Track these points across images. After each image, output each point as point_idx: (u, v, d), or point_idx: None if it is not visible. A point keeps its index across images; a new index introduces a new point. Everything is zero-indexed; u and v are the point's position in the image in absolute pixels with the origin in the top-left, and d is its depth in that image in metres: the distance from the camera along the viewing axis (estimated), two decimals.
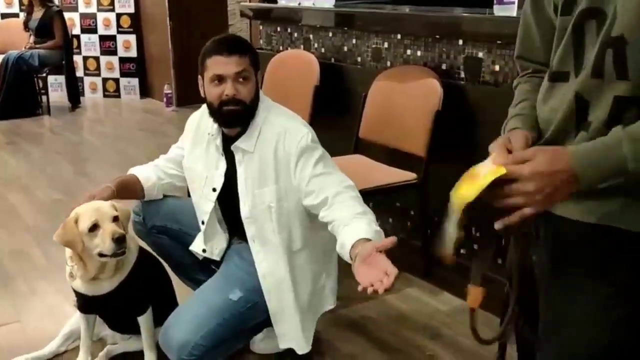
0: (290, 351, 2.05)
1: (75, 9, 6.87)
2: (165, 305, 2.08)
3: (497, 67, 2.57)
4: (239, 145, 1.93)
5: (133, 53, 6.89)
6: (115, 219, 1.89)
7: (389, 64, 3.06)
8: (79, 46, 6.92)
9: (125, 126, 5.93)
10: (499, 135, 1.19)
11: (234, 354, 2.13)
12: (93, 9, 6.87)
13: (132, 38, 6.87)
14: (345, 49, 3.32)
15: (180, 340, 1.87)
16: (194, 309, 1.94)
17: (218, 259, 2.11)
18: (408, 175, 2.69)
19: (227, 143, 1.97)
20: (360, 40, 3.22)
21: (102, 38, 6.91)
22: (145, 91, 7.02)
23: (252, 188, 1.94)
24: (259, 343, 2.16)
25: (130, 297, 2.00)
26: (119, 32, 6.87)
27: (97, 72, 7.01)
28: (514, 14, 2.55)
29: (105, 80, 7.02)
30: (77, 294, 2.02)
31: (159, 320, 2.05)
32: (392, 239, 1.53)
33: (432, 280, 2.73)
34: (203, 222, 2.07)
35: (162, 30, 6.48)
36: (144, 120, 6.25)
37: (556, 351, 1.18)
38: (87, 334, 2.10)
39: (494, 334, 1.23)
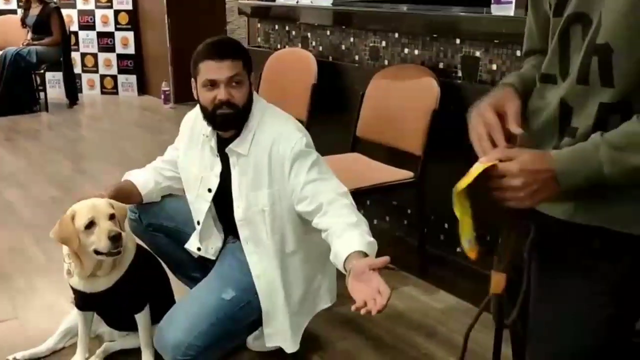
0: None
1: (73, 6, 6.86)
2: (162, 303, 2.08)
3: (494, 67, 2.58)
4: (233, 148, 1.94)
5: (131, 50, 6.89)
6: (112, 217, 1.90)
7: (386, 62, 3.07)
8: (76, 43, 6.91)
9: (123, 123, 5.93)
10: None
11: (230, 351, 2.15)
12: (91, 5, 6.86)
13: (130, 35, 6.86)
14: (343, 47, 3.33)
15: (174, 341, 1.89)
16: (188, 309, 1.95)
17: (213, 257, 2.12)
18: (405, 174, 2.70)
19: (222, 144, 1.97)
20: (358, 38, 3.22)
21: (100, 35, 6.91)
22: (143, 88, 7.02)
23: (246, 191, 1.94)
24: (256, 340, 2.17)
25: (127, 295, 2.00)
26: (117, 29, 6.87)
27: (95, 69, 7.01)
28: (512, 13, 2.56)
29: (103, 77, 7.01)
30: (75, 291, 2.03)
31: (156, 318, 2.06)
32: (386, 259, 1.56)
33: (428, 279, 2.74)
34: (199, 222, 2.08)
35: (160, 27, 6.48)
36: (141, 117, 6.25)
37: (544, 349, 1.20)
38: (84, 331, 2.11)
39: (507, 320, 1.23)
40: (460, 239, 1.15)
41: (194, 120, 2.05)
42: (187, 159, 2.10)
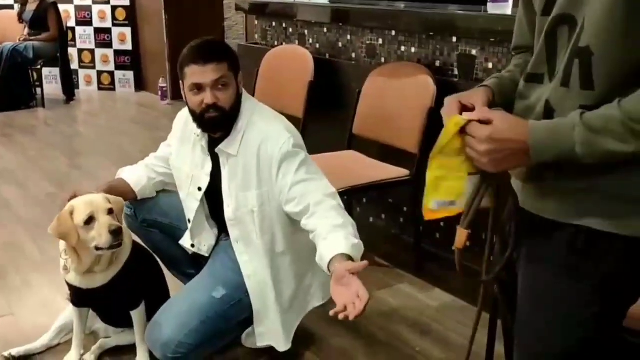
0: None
1: (70, 1, 6.84)
2: (158, 299, 2.08)
3: (490, 65, 2.58)
4: (223, 148, 1.94)
5: (128, 46, 6.88)
6: (110, 212, 1.90)
7: (383, 60, 3.07)
8: (74, 38, 6.89)
9: (119, 119, 5.93)
10: None
11: (224, 348, 2.16)
12: (88, 1, 6.84)
13: (127, 31, 6.85)
14: (340, 44, 3.33)
15: (164, 339, 1.89)
16: (178, 307, 1.95)
17: (207, 254, 2.12)
18: (401, 172, 2.70)
19: (213, 144, 1.97)
20: (355, 36, 3.23)
21: (97, 31, 6.89)
22: (140, 84, 7.01)
23: (236, 191, 1.95)
24: (250, 337, 2.17)
25: (123, 291, 2.00)
26: (114, 24, 6.85)
27: (92, 64, 6.99)
28: (508, 12, 2.57)
29: (100, 73, 7.00)
30: (71, 287, 2.03)
31: (152, 315, 2.05)
32: (364, 264, 1.58)
33: (423, 276, 2.75)
34: (189, 220, 2.09)
35: (157, 23, 6.47)
36: (138, 113, 6.24)
37: (531, 348, 1.21)
38: (79, 327, 2.11)
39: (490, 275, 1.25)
40: (426, 200, 1.15)
41: (186, 119, 2.05)
42: (179, 156, 2.10)
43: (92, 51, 6.96)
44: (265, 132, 1.91)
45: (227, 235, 2.06)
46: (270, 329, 2.02)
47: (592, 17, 1.02)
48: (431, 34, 2.81)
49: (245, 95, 1.99)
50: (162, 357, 1.93)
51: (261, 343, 2.05)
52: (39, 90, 6.24)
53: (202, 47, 1.88)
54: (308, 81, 3.18)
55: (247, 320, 2.02)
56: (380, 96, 2.90)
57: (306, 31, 3.56)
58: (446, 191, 1.14)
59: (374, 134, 2.90)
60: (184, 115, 2.08)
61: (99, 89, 7.01)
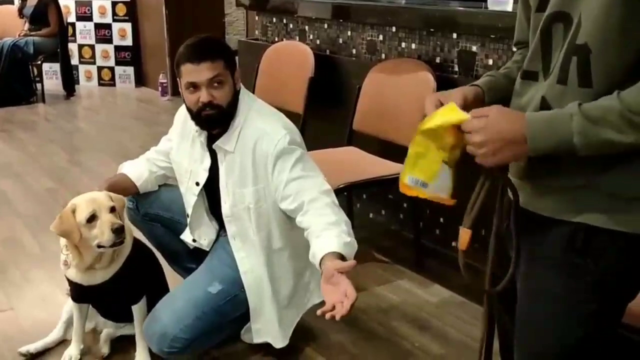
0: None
1: None
2: (157, 294, 2.09)
3: (490, 61, 2.58)
4: (220, 145, 1.94)
5: (128, 41, 6.87)
6: (112, 210, 1.90)
7: (383, 56, 3.07)
8: (74, 34, 6.88)
9: (120, 115, 5.92)
10: None
11: (223, 343, 2.16)
12: None
13: (127, 26, 6.84)
14: (341, 40, 3.32)
15: (160, 333, 1.90)
16: (174, 302, 1.96)
17: (207, 249, 2.13)
18: (401, 168, 2.69)
19: (212, 140, 1.98)
20: (355, 32, 3.22)
21: (98, 26, 6.88)
22: (141, 80, 7.00)
23: (233, 187, 1.95)
24: (249, 333, 2.17)
25: (124, 287, 2.01)
26: (114, 20, 6.84)
27: (92, 60, 6.99)
28: (509, 8, 2.56)
29: (100, 68, 6.99)
30: (71, 283, 2.03)
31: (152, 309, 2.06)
32: (352, 263, 1.59)
33: (422, 272, 2.75)
34: (188, 215, 2.10)
35: (157, 19, 6.46)
36: (138, 109, 6.24)
37: (531, 345, 1.21)
38: (79, 323, 2.11)
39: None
40: (404, 174, 1.15)
41: (186, 113, 2.05)
42: (178, 151, 2.10)
43: (92, 47, 6.96)
44: (262, 129, 1.91)
45: (226, 231, 2.06)
46: (267, 326, 2.03)
47: (589, 14, 1.02)
48: (432, 30, 2.81)
49: (243, 91, 1.99)
50: (158, 351, 1.94)
51: (257, 339, 2.06)
52: (39, 85, 6.23)
53: (197, 46, 1.88)
54: (308, 77, 3.18)
55: (243, 316, 2.02)
56: (380, 92, 2.89)
57: (307, 27, 3.56)
58: (421, 170, 1.14)
59: (374, 130, 2.90)
60: (184, 110, 2.08)
61: (99, 84, 7.00)
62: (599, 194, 1.07)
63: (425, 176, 1.13)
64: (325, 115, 3.22)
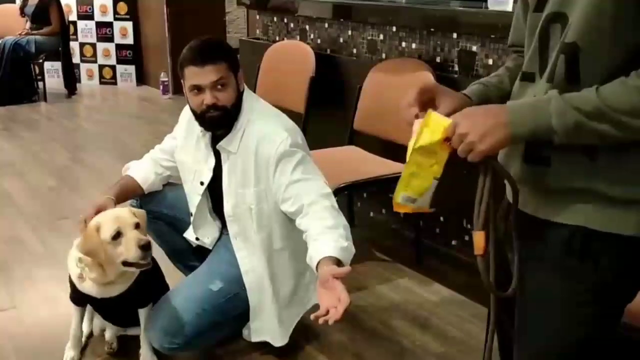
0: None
1: None
2: (159, 293, 2.09)
3: (490, 61, 2.59)
4: (224, 145, 1.96)
5: (130, 40, 6.88)
6: (137, 226, 1.86)
7: (384, 56, 3.08)
8: (75, 33, 6.89)
9: (121, 113, 5.93)
10: None
11: (226, 341, 2.18)
12: None
13: (128, 25, 6.85)
14: (341, 40, 3.33)
15: (161, 329, 1.92)
16: (176, 299, 1.98)
17: (210, 247, 2.15)
18: (401, 167, 2.69)
19: (216, 140, 1.99)
20: (356, 31, 3.23)
21: (99, 25, 6.89)
22: (142, 78, 7.02)
23: (235, 187, 1.97)
24: (250, 331, 2.19)
25: (137, 296, 1.99)
26: (115, 18, 6.85)
27: (93, 59, 7.00)
28: (509, 8, 2.57)
29: (101, 67, 7.00)
30: (81, 294, 1.97)
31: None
32: (347, 269, 1.60)
33: (423, 271, 2.77)
34: (192, 214, 2.11)
35: (158, 18, 6.47)
36: (140, 107, 6.26)
37: (530, 346, 1.22)
38: (78, 324, 2.09)
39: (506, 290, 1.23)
40: (397, 193, 1.15)
41: (191, 113, 2.06)
42: (183, 150, 2.12)
43: (93, 45, 6.97)
44: (264, 131, 1.92)
45: (227, 230, 2.08)
46: (266, 325, 2.05)
47: (580, 14, 1.02)
48: (432, 30, 2.82)
49: (247, 92, 2.00)
50: (159, 347, 1.97)
51: (256, 338, 2.08)
52: (40, 84, 6.25)
53: (201, 48, 1.89)
54: (309, 76, 3.19)
55: (244, 314, 2.04)
56: (381, 92, 2.91)
57: (307, 26, 3.57)
58: (413, 188, 1.15)
59: (375, 130, 2.91)
60: (189, 110, 2.10)
61: (101, 83, 7.02)
62: (597, 197, 1.07)
63: (415, 193, 1.15)
64: (326, 114, 3.23)
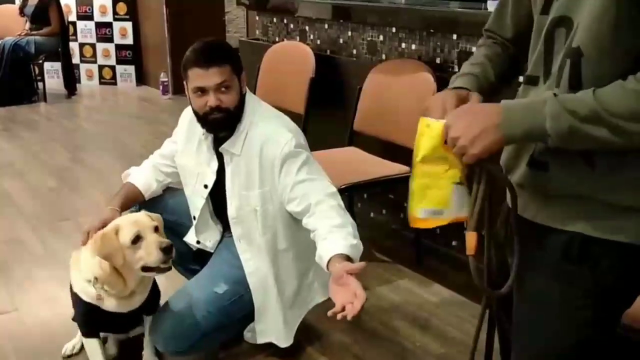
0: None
1: None
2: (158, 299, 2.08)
3: None
4: (227, 148, 1.96)
5: (129, 40, 6.88)
6: (156, 229, 1.83)
7: (384, 56, 3.08)
8: (75, 33, 6.89)
9: (121, 114, 5.94)
10: None
11: (228, 343, 2.18)
12: None
13: (128, 25, 6.85)
14: (341, 41, 3.33)
15: (166, 333, 1.93)
16: (181, 302, 1.98)
17: (211, 250, 2.15)
18: (402, 168, 2.72)
19: (218, 142, 1.99)
20: (356, 32, 3.23)
21: (99, 25, 6.89)
22: (142, 79, 7.01)
23: (239, 189, 1.97)
24: (252, 333, 2.19)
25: (151, 304, 1.97)
26: (115, 19, 6.85)
27: (93, 59, 7.00)
28: None
29: (101, 67, 7.00)
30: (98, 314, 1.88)
31: None
32: (361, 265, 1.60)
33: (423, 271, 2.77)
34: (194, 217, 2.11)
35: (158, 17, 6.47)
36: (140, 108, 6.26)
37: (528, 350, 1.22)
38: (102, 356, 1.97)
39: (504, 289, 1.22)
40: (412, 209, 1.14)
41: (191, 116, 2.06)
42: (184, 154, 2.12)
43: (93, 45, 6.97)
44: (268, 133, 1.93)
45: (230, 232, 2.08)
46: (272, 326, 2.05)
47: (585, 19, 1.03)
48: (432, 31, 2.82)
49: (249, 94, 2.01)
50: (165, 350, 1.97)
51: (262, 340, 2.08)
52: (40, 84, 6.25)
53: (205, 50, 1.89)
54: (309, 77, 3.19)
55: (247, 316, 2.05)
56: (381, 93, 2.91)
57: (307, 27, 3.57)
58: (432, 200, 1.12)
59: (375, 131, 2.91)
60: (189, 112, 2.10)
61: (101, 83, 7.02)
62: (595, 203, 1.08)
63: (438, 204, 1.12)
64: (326, 115, 3.24)
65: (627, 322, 1.26)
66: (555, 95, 1.03)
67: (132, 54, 6.90)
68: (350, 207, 3.10)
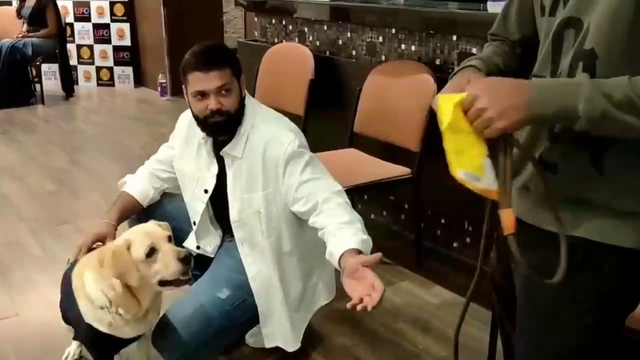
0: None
1: None
2: None
3: None
4: (228, 151, 1.95)
5: (127, 41, 6.87)
6: (170, 239, 1.73)
7: (383, 58, 3.08)
8: (72, 34, 6.88)
9: (119, 115, 5.92)
10: None
11: (229, 348, 2.18)
12: None
13: (125, 26, 6.84)
14: (340, 42, 3.33)
15: (170, 340, 1.91)
16: (183, 309, 1.96)
17: (212, 255, 2.14)
18: (402, 170, 2.72)
19: (218, 146, 1.98)
20: (355, 33, 3.23)
21: (96, 26, 6.88)
22: (140, 80, 7.00)
23: (241, 192, 1.96)
24: (253, 337, 2.19)
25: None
26: (112, 20, 6.84)
27: (91, 60, 6.99)
28: None
29: (99, 69, 6.99)
30: (109, 340, 1.78)
31: None
32: (378, 256, 1.57)
33: (424, 273, 2.77)
34: (194, 223, 2.10)
35: (156, 18, 6.45)
36: (138, 109, 6.24)
37: (528, 354, 1.22)
38: None
39: None
40: (452, 167, 1.08)
41: (189, 121, 2.05)
42: (183, 159, 2.10)
43: (90, 47, 6.95)
44: (270, 134, 1.92)
45: (231, 236, 2.07)
46: (279, 329, 2.04)
47: (598, 20, 1.02)
48: (431, 32, 2.81)
49: (248, 97, 2.01)
50: (170, 358, 1.95)
51: (269, 344, 2.06)
52: (38, 86, 6.23)
53: (205, 54, 1.88)
54: (308, 79, 3.18)
55: (252, 320, 2.04)
56: (380, 94, 2.90)
57: (306, 28, 3.56)
58: (468, 164, 1.07)
59: (375, 132, 2.91)
60: (187, 117, 2.09)
61: (98, 85, 7.01)
62: (598, 208, 1.08)
63: (475, 168, 1.06)
64: (325, 117, 3.23)
65: (629, 324, 1.26)
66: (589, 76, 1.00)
67: (129, 56, 6.89)
68: None
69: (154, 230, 1.73)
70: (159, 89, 6.39)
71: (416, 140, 2.65)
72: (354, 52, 3.25)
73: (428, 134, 2.62)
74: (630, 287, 1.14)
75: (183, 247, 2.15)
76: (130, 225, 2.09)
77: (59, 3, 6.33)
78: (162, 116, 5.69)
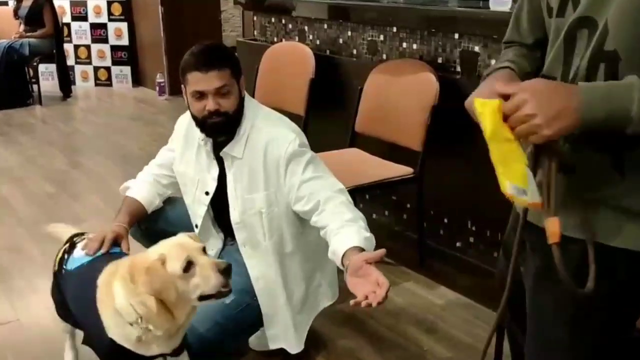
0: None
1: None
2: None
3: (493, 62, 2.57)
4: (228, 151, 1.94)
5: (125, 41, 6.84)
6: (204, 250, 1.64)
7: (384, 56, 3.05)
8: (69, 34, 6.85)
9: (117, 115, 5.89)
10: None
11: (232, 351, 2.15)
12: None
13: (123, 26, 6.81)
14: (341, 41, 3.31)
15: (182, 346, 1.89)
16: None
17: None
18: (404, 170, 2.70)
19: (218, 148, 1.96)
20: (356, 32, 3.21)
21: (93, 26, 6.85)
22: (138, 79, 6.98)
23: (242, 193, 1.95)
24: (258, 340, 2.17)
25: None
26: (110, 19, 6.81)
27: (88, 60, 6.96)
28: (509, 9, 2.55)
29: (96, 68, 6.96)
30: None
31: None
32: (381, 252, 1.55)
33: (427, 273, 2.75)
34: (197, 226, 2.08)
35: (153, 18, 6.43)
36: (136, 109, 6.22)
37: (539, 357, 1.21)
38: None
39: None
40: (501, 179, 1.05)
41: (188, 123, 2.03)
42: (183, 161, 2.08)
43: (88, 47, 6.93)
44: (271, 134, 1.91)
45: (233, 239, 2.06)
46: (282, 331, 2.03)
47: (619, 20, 0.99)
48: (433, 30, 2.79)
49: (248, 98, 1.99)
50: None
51: (274, 346, 2.05)
52: (35, 87, 6.21)
53: (204, 54, 1.86)
54: (309, 78, 3.16)
55: (256, 323, 2.03)
56: (382, 93, 2.88)
57: (306, 27, 3.54)
58: (514, 176, 1.04)
59: (377, 132, 2.89)
60: (185, 119, 2.07)
61: (96, 84, 6.98)
62: (608, 210, 1.06)
63: (520, 181, 1.03)
64: (326, 116, 3.21)
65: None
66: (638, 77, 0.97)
67: (127, 55, 6.86)
68: None
69: (187, 242, 1.62)
70: (157, 88, 6.37)
71: (418, 140, 2.63)
72: (354, 51, 3.23)
73: (431, 133, 2.61)
74: None
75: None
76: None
77: (56, 3, 6.31)
78: (161, 116, 5.67)
